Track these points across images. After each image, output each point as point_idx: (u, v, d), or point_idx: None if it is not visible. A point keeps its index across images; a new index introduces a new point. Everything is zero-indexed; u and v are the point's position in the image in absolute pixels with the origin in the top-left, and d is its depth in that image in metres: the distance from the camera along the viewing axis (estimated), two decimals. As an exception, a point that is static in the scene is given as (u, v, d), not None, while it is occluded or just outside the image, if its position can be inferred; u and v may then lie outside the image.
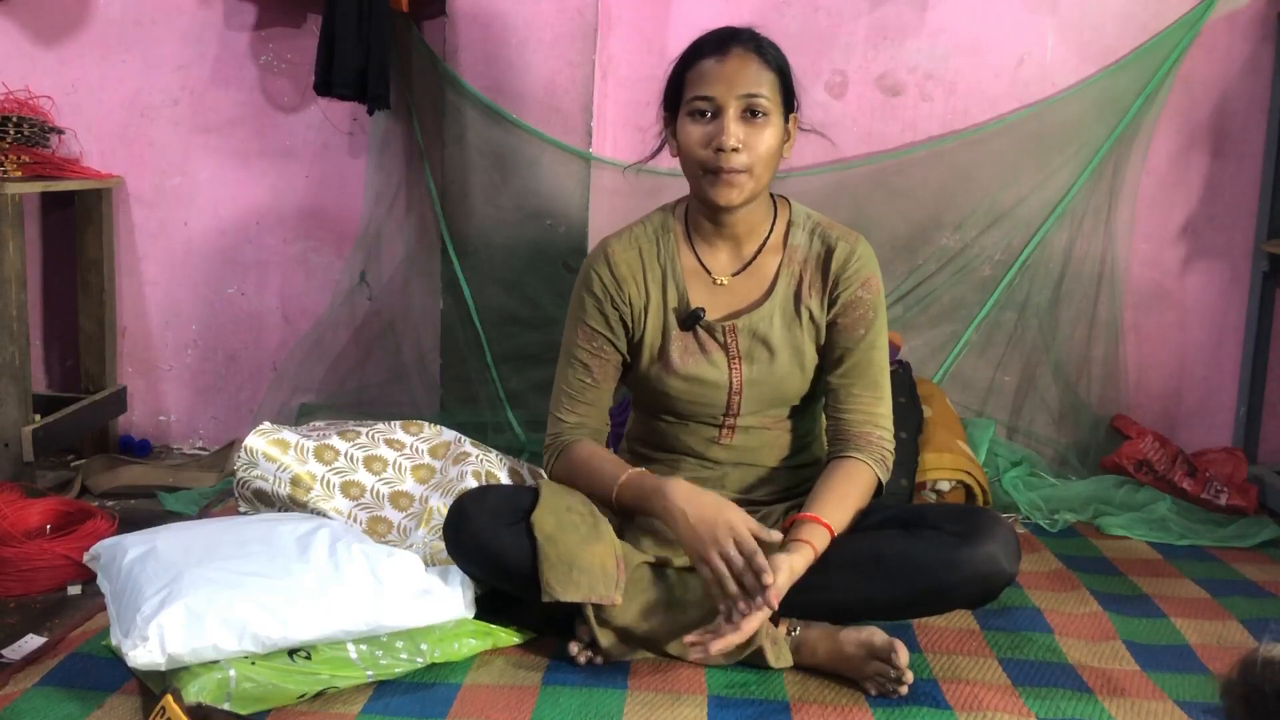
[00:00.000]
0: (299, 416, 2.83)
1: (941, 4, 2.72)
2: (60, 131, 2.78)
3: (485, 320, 2.78)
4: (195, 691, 1.48)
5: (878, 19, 2.73)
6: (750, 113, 1.73)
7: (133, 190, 2.89)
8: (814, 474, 1.84)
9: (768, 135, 1.74)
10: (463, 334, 2.80)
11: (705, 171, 1.76)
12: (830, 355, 1.85)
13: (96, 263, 2.81)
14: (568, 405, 1.88)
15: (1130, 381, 2.83)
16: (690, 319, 1.84)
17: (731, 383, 1.83)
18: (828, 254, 1.84)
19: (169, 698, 1.40)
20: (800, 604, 1.71)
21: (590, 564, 1.67)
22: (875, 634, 1.66)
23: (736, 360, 1.83)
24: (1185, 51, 2.70)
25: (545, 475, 1.95)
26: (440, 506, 1.98)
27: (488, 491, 1.83)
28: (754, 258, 1.86)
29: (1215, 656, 1.82)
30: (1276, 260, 2.70)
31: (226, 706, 1.49)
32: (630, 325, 1.87)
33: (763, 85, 1.73)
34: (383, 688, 1.63)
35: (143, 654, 1.49)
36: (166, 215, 2.90)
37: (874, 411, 1.84)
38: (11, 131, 2.57)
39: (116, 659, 1.59)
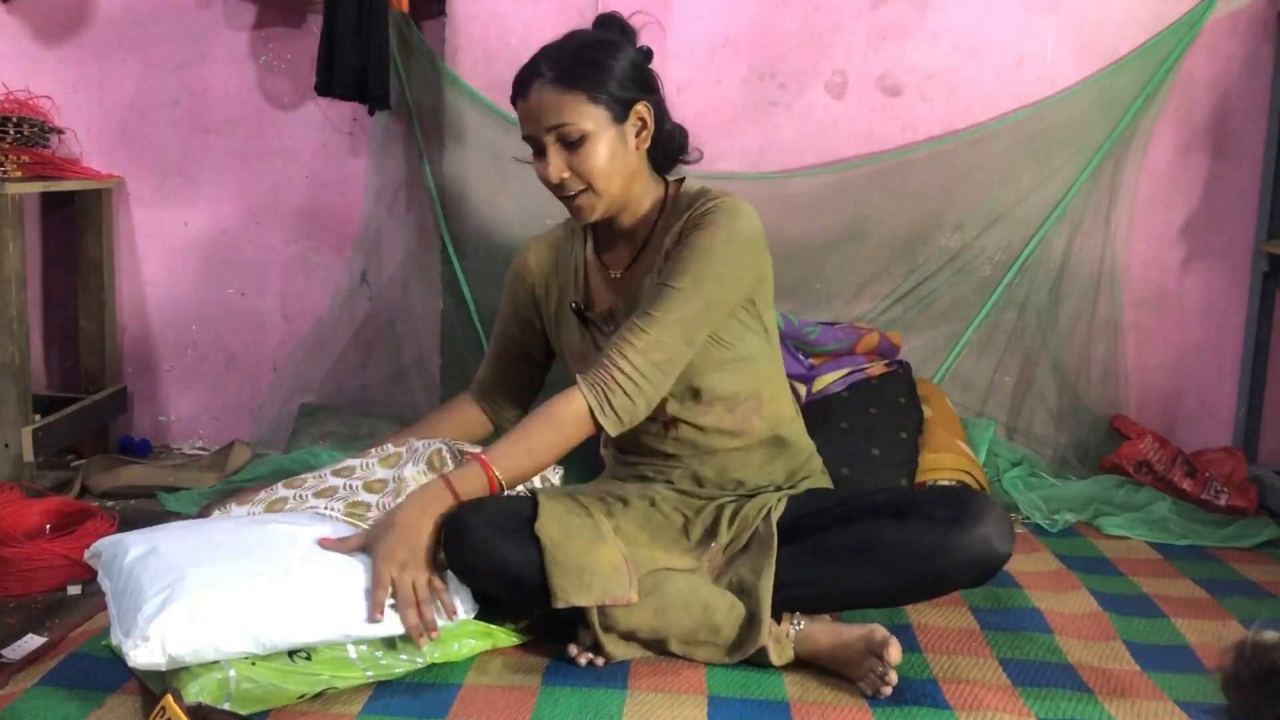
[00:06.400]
0: (299, 416, 2.83)
1: (941, 4, 2.72)
2: (60, 131, 2.78)
3: (485, 320, 2.78)
4: (195, 691, 1.48)
5: (878, 19, 2.73)
6: (565, 140, 1.74)
7: (133, 190, 2.89)
8: (796, 449, 1.84)
9: (593, 152, 1.74)
10: (463, 334, 2.80)
11: (559, 199, 1.81)
12: None
13: (96, 263, 2.81)
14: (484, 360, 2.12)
15: (1130, 381, 2.83)
16: (576, 315, 1.89)
17: None
18: (689, 217, 1.80)
19: (169, 698, 1.40)
20: (798, 596, 1.72)
21: (601, 566, 1.67)
22: (876, 629, 1.66)
23: None
24: (1185, 51, 2.70)
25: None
26: (415, 475, 1.89)
27: (484, 503, 1.80)
28: (643, 248, 1.88)
29: (1215, 657, 1.81)
30: (1276, 260, 2.70)
31: (226, 706, 1.49)
32: (542, 322, 1.99)
33: (565, 113, 1.73)
34: (383, 688, 1.63)
35: (143, 654, 1.49)
36: (166, 215, 2.90)
37: (623, 337, 1.73)
38: (11, 131, 2.56)
39: (116, 659, 1.59)
